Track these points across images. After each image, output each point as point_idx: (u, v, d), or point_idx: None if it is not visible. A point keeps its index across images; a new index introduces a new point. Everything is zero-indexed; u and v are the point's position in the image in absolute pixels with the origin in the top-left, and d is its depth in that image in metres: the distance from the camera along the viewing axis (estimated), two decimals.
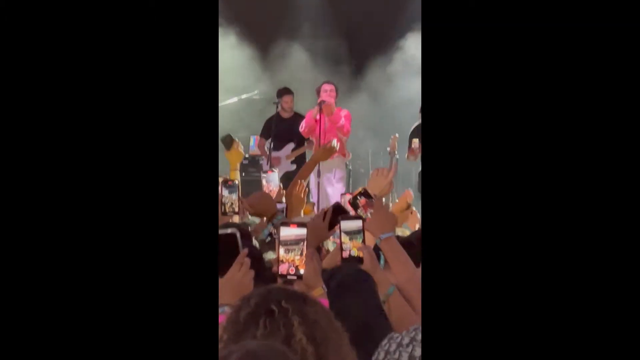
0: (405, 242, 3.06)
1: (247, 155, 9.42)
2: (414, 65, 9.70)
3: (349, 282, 2.24)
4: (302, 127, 8.04)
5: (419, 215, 4.22)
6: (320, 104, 7.82)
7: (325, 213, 2.85)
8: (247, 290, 1.87)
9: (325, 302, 2.20)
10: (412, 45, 9.84)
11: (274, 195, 3.98)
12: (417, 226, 4.08)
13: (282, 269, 2.27)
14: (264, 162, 8.60)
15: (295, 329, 1.42)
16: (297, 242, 2.28)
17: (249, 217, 3.35)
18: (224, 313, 1.47)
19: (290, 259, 2.26)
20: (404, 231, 3.88)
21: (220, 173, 3.16)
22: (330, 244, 3.11)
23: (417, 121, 8.36)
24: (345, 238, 2.42)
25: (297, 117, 8.33)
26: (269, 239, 3.08)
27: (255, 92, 9.94)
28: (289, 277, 2.26)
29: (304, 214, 3.83)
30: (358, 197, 2.72)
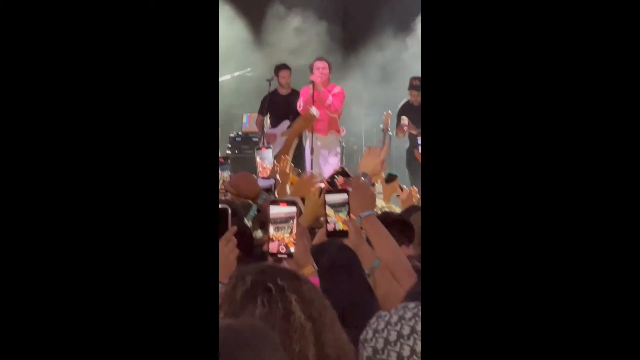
0: (399, 221, 3.06)
1: (239, 132, 9.41)
2: (408, 42, 9.67)
3: (334, 259, 2.24)
4: (300, 106, 8.02)
5: (419, 195, 4.20)
6: (313, 82, 7.81)
7: (321, 191, 2.84)
8: (230, 269, 1.87)
9: (315, 280, 2.20)
10: (406, 23, 9.81)
11: (267, 172, 3.96)
12: (414, 201, 4.07)
13: (272, 247, 2.26)
14: (258, 139, 8.59)
15: (293, 306, 1.43)
16: (286, 220, 2.27)
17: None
18: None
19: (280, 237, 2.25)
20: (390, 206, 3.87)
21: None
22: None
23: (406, 98, 8.40)
24: (330, 211, 2.40)
25: (294, 94, 8.32)
26: (253, 217, 3.06)
27: (248, 69, 9.90)
28: (279, 255, 2.26)
29: (291, 182, 3.81)
30: (335, 177, 2.70)
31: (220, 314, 1.38)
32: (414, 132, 7.76)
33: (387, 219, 3.01)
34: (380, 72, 9.82)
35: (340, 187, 2.64)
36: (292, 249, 2.25)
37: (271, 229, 2.26)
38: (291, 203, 2.32)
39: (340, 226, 2.38)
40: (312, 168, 7.88)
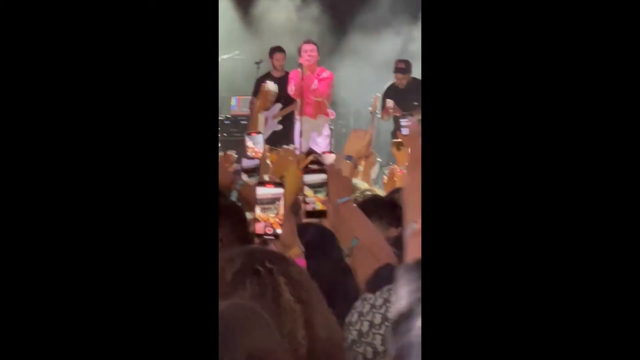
0: (387, 203, 3.05)
1: (228, 116, 9.39)
2: (396, 25, 9.66)
3: (313, 240, 2.23)
4: (292, 90, 8.02)
5: (419, 176, 4.16)
6: (301, 66, 7.80)
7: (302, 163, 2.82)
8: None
9: (302, 261, 2.20)
10: (396, 6, 9.80)
11: (258, 156, 3.96)
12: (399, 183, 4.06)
13: (259, 228, 2.26)
14: (247, 122, 8.58)
15: (282, 288, 1.43)
16: (272, 201, 2.26)
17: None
18: None
19: (266, 218, 2.25)
20: (373, 189, 3.85)
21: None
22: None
23: (390, 81, 8.43)
24: (308, 191, 2.38)
25: (288, 77, 8.30)
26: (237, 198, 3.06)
27: (237, 52, 9.86)
28: (265, 236, 2.25)
29: (270, 161, 3.81)
30: (309, 166, 2.67)
31: None
32: (398, 114, 7.78)
33: (374, 202, 3.01)
34: (370, 55, 9.81)
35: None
36: (279, 230, 2.25)
37: (257, 210, 2.26)
38: (278, 184, 2.31)
39: (319, 206, 2.36)
40: (300, 151, 7.89)
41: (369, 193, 3.47)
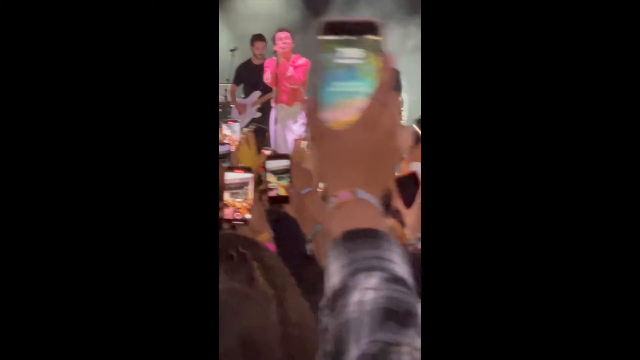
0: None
1: None
2: (372, 11, 9.66)
3: (276, 227, 2.24)
4: (268, 78, 8.01)
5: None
6: (276, 54, 7.80)
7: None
8: None
9: (271, 247, 2.21)
10: None
11: (235, 144, 3.97)
12: None
13: (227, 213, 2.26)
14: (222, 109, 8.58)
15: (255, 273, 1.43)
16: (241, 186, 2.27)
17: None
18: None
19: (234, 204, 2.26)
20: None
21: None
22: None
23: None
24: (271, 178, 2.39)
25: (264, 65, 8.30)
26: None
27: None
28: (234, 222, 2.26)
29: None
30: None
31: None
32: None
33: None
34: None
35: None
36: (248, 216, 2.26)
37: (226, 195, 2.26)
38: (246, 169, 2.32)
39: (281, 192, 2.37)
40: (275, 138, 7.89)
41: None
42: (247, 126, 7.81)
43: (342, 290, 0.85)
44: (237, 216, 2.26)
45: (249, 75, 8.47)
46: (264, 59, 8.49)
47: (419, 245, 2.42)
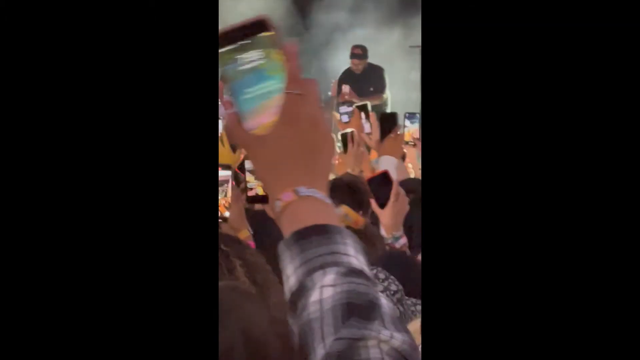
0: (350, 184, 3.06)
1: None
2: (357, 11, 9.67)
3: (255, 227, 2.24)
4: None
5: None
6: None
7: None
8: None
9: (252, 244, 2.21)
10: None
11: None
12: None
13: None
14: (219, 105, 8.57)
15: (237, 271, 1.43)
16: (220, 184, 2.27)
17: None
18: None
19: None
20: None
21: None
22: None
23: (346, 66, 8.48)
24: (250, 177, 2.39)
25: None
26: None
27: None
28: None
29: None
30: (244, 162, 2.67)
31: None
32: (356, 100, 7.81)
33: (337, 184, 2.98)
34: (329, 40, 9.82)
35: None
36: (227, 213, 2.25)
37: None
38: (225, 167, 2.31)
39: (260, 191, 2.37)
40: None
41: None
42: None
43: (300, 291, 0.83)
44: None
45: None
46: None
47: (397, 244, 2.43)
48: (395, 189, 2.62)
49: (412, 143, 3.89)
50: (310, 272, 0.84)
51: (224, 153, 2.96)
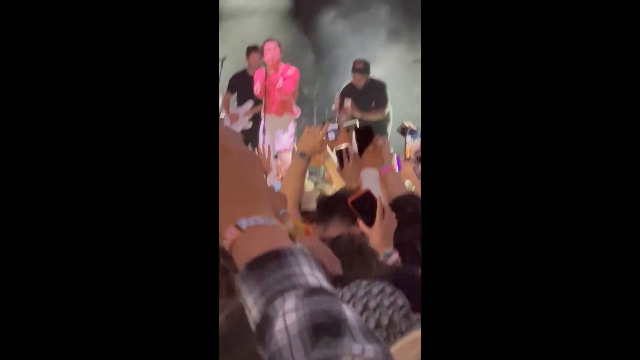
0: (339, 198, 3.09)
1: None
2: (358, 23, 9.71)
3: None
4: (257, 90, 8.07)
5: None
6: (265, 65, 7.87)
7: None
8: None
9: None
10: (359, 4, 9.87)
11: None
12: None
13: None
14: (225, 118, 8.60)
15: (235, 285, 1.47)
16: None
17: None
18: None
19: None
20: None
21: None
22: None
23: (348, 80, 8.46)
24: None
25: (254, 76, 8.36)
26: None
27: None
28: None
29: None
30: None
31: None
32: (357, 114, 7.82)
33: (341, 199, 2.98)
34: (332, 53, 9.87)
35: None
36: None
37: None
38: None
39: None
40: (264, 149, 7.91)
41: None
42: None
43: (265, 322, 0.82)
44: None
45: (244, 86, 8.53)
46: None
47: (390, 261, 2.46)
48: (380, 206, 2.64)
49: (411, 158, 3.86)
50: (270, 301, 0.83)
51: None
